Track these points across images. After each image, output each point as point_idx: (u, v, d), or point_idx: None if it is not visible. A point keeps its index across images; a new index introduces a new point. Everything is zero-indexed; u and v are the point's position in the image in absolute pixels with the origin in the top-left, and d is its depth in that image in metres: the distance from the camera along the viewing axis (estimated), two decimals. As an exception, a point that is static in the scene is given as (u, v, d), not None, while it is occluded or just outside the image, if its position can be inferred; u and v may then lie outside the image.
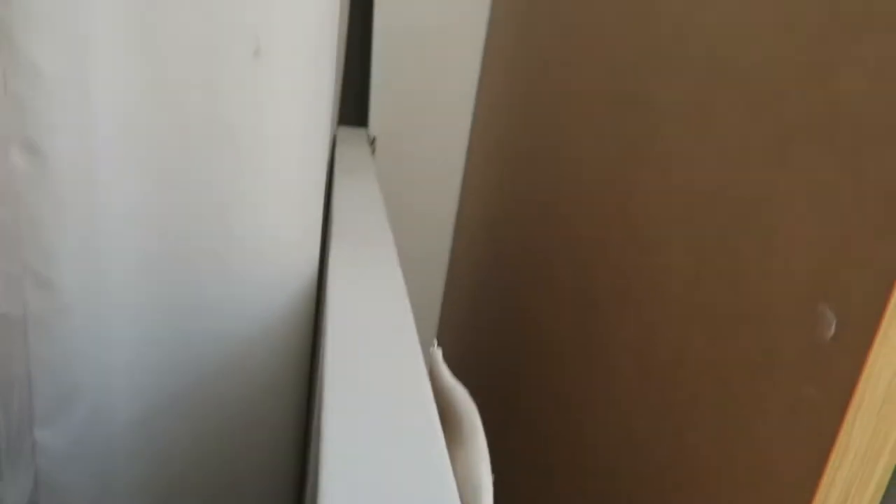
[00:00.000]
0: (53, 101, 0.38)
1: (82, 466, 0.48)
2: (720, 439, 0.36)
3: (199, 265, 0.45)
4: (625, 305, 0.47)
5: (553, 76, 0.66)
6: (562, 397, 0.56)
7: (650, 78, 0.46)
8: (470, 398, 0.35)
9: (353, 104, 0.85)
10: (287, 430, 0.52)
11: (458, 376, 0.37)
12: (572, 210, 0.58)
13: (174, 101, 0.41)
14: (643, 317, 0.45)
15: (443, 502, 0.24)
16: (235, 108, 0.41)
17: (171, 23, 0.39)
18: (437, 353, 0.38)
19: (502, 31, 0.82)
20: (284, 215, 0.45)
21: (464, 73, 0.88)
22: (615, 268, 0.49)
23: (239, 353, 0.47)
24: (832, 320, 0.29)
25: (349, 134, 0.81)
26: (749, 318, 0.34)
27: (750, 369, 0.34)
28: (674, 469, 0.40)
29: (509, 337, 0.72)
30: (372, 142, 0.85)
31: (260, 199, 0.44)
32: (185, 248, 0.44)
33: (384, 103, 0.86)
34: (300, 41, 0.42)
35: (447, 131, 0.91)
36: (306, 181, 0.46)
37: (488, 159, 0.84)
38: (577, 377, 0.54)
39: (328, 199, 0.56)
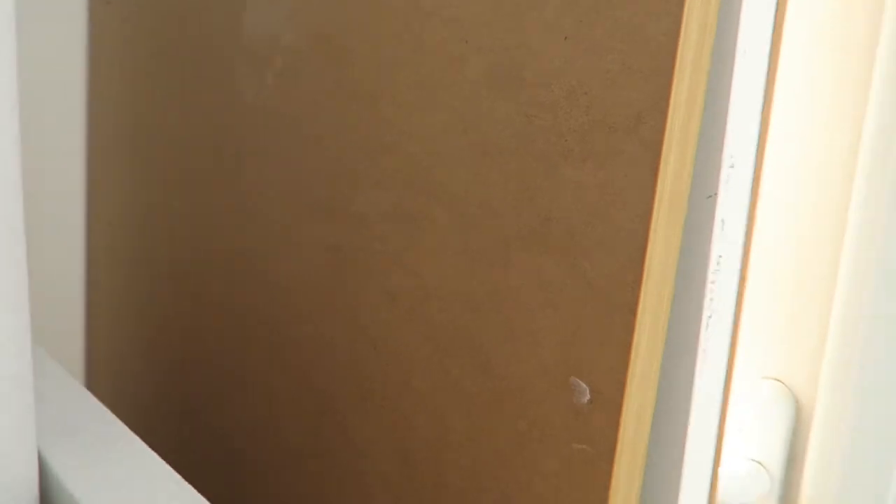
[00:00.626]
0: None
1: None
2: (506, 502, 0.42)
3: None
4: (367, 408, 0.50)
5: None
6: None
7: (356, 191, 0.50)
8: None
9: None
10: None
11: None
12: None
13: None
14: (400, 408, 0.48)
15: None
16: None
17: None
18: None
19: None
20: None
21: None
22: (368, 396, 0.51)
23: None
24: (585, 388, 0.37)
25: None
26: (509, 397, 0.41)
27: (519, 439, 0.41)
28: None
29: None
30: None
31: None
32: None
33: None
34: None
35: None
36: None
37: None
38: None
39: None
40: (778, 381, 0.51)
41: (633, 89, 0.34)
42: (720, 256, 0.38)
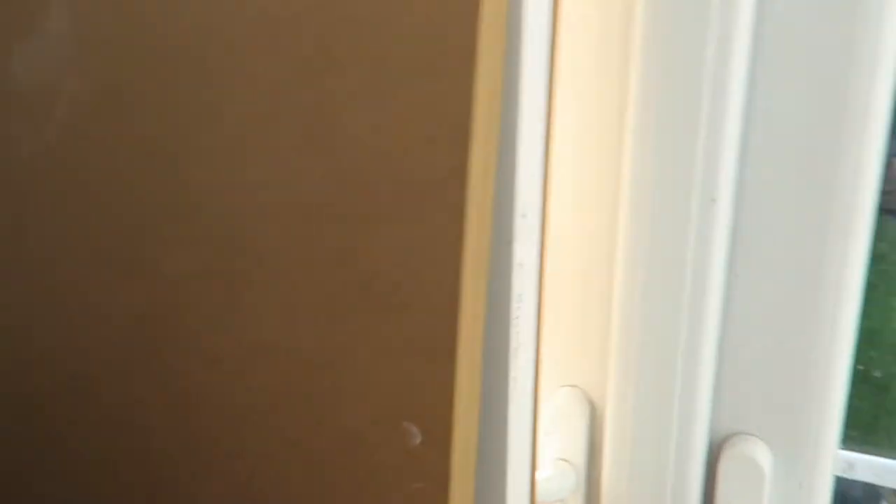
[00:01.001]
0: None
1: None
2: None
3: None
4: (206, 475, 0.48)
5: None
6: None
7: (163, 252, 0.48)
8: None
9: None
10: None
11: None
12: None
13: None
14: (238, 473, 0.47)
15: None
16: None
17: None
18: None
19: None
20: None
21: None
22: (206, 465, 0.49)
23: None
24: (416, 431, 0.40)
25: None
26: (347, 448, 0.43)
27: (362, 487, 0.43)
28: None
29: None
30: None
31: None
32: None
33: None
34: None
35: None
36: None
37: None
38: None
39: None
40: (574, 386, 0.58)
41: (437, 156, 0.38)
42: (520, 294, 0.43)
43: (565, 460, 0.57)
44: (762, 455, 0.52)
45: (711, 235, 0.51)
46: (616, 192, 0.55)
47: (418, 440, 0.40)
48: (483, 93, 0.37)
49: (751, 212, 0.51)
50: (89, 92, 0.51)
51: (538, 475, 0.56)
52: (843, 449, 0.57)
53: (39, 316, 0.55)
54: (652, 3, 0.50)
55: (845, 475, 0.61)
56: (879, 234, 0.52)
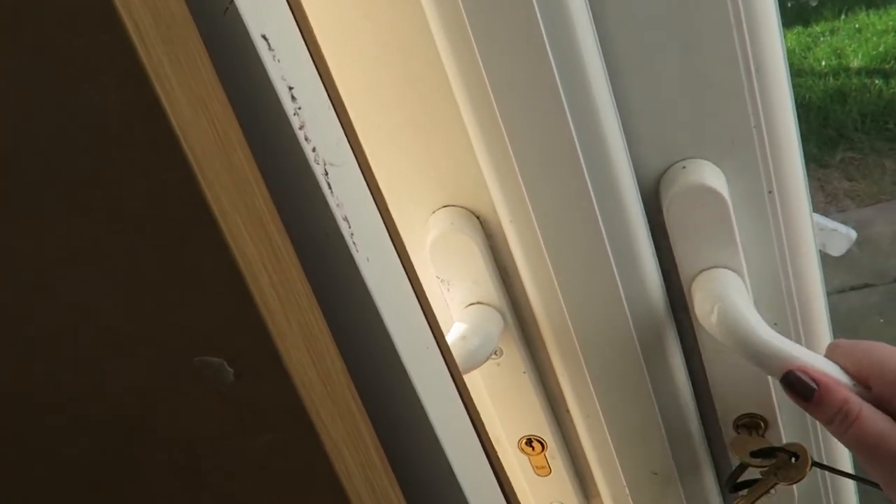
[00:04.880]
0: None
1: None
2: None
3: None
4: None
5: None
6: None
7: None
8: None
9: None
10: None
11: None
12: None
13: None
14: None
15: None
16: None
17: None
18: None
19: None
20: None
21: None
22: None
23: None
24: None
25: None
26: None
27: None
28: None
29: None
30: None
31: None
32: None
33: None
34: None
35: None
36: None
37: None
38: None
39: None
40: (455, 206, 0.44)
41: None
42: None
43: (480, 304, 0.44)
44: (710, 176, 0.40)
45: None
46: None
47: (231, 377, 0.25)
48: None
49: None
50: None
51: (450, 338, 0.42)
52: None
53: None
54: None
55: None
56: None
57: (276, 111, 0.29)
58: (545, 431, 0.47)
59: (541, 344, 0.45)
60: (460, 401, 0.37)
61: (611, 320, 0.42)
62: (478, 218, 0.43)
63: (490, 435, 0.49)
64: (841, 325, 2.44)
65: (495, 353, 0.45)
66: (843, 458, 0.50)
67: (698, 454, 0.47)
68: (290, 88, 0.30)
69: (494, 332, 0.42)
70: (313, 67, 0.32)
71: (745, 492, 0.43)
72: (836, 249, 0.63)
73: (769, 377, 0.45)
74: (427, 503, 0.35)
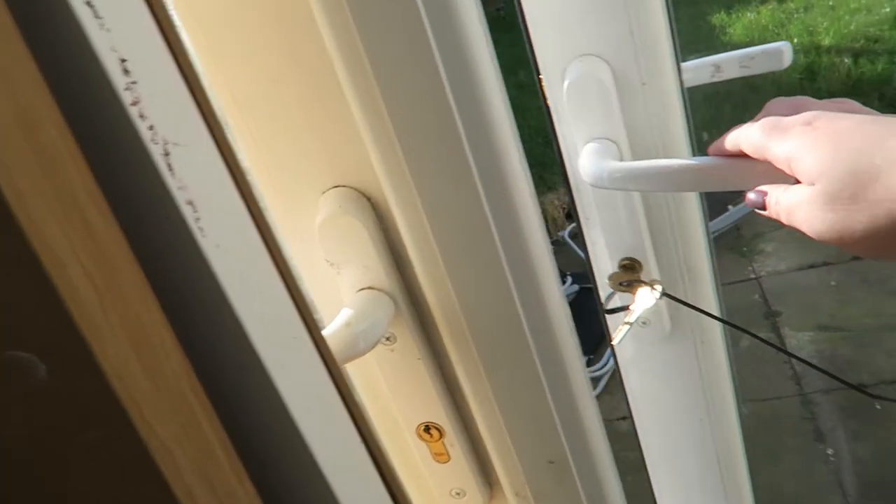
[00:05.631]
0: None
1: None
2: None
3: None
4: None
5: None
6: None
7: None
8: None
9: None
10: None
11: None
12: None
13: None
14: None
15: None
16: None
17: None
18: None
19: None
20: None
21: None
22: None
23: None
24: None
25: None
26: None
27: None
28: None
29: None
30: None
31: None
32: None
33: None
34: None
35: None
36: None
37: None
38: None
39: None
40: (344, 186, 0.42)
41: None
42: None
43: (371, 288, 0.42)
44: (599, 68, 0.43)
45: None
46: None
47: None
48: None
49: None
50: None
51: (335, 325, 0.41)
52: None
53: None
54: None
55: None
56: None
57: (104, 85, 0.27)
58: (442, 418, 0.46)
59: (435, 330, 0.44)
60: (335, 392, 0.36)
61: (499, 304, 0.41)
62: (368, 200, 0.41)
63: (388, 423, 0.48)
64: (799, 301, 2.49)
65: (388, 340, 0.44)
66: (708, 297, 0.61)
67: (594, 443, 0.46)
68: (123, 61, 0.27)
69: (383, 318, 0.41)
70: (158, 38, 0.30)
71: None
72: (772, 65, 0.68)
73: (644, 228, 0.59)
74: (292, 500, 0.34)
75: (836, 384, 2.13)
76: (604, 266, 0.66)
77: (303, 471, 0.33)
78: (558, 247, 3.33)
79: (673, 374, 0.66)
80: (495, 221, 0.38)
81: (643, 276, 0.64)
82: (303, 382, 0.33)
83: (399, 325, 0.43)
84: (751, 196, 0.40)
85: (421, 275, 0.41)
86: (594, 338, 2.60)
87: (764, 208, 0.40)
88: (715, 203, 2.95)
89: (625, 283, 0.65)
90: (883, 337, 2.25)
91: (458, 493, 0.50)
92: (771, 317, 2.46)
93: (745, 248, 2.87)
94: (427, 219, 0.38)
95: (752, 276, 2.70)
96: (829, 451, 1.95)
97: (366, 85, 0.35)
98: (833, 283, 2.57)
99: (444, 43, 0.34)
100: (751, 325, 2.48)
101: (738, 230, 2.99)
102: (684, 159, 0.45)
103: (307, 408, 0.33)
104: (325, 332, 0.39)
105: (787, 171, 0.37)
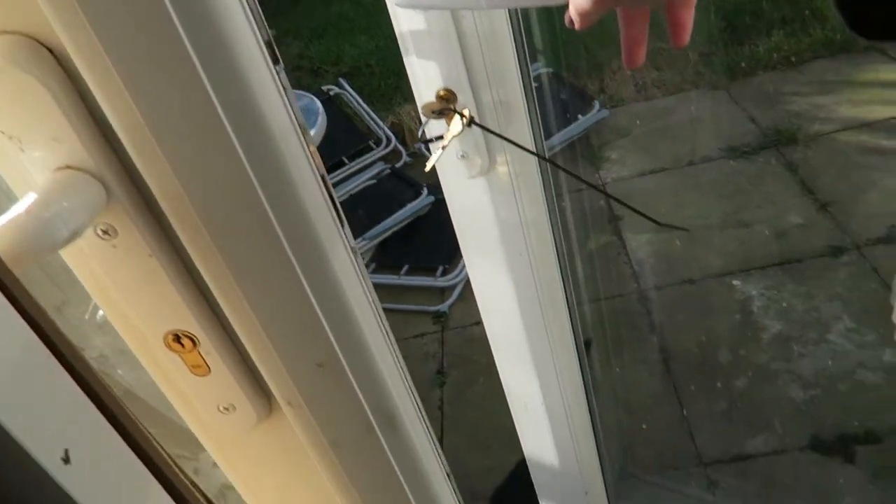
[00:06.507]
0: None
1: None
2: None
3: None
4: None
5: None
6: None
7: None
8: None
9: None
10: None
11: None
12: None
13: None
14: None
15: None
16: None
17: None
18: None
19: None
20: None
21: None
22: None
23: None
24: None
25: None
26: None
27: None
28: None
29: None
30: None
31: None
32: None
33: None
34: None
35: None
36: None
37: None
38: None
39: None
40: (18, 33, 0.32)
41: None
42: None
43: (68, 168, 0.34)
44: None
45: None
46: None
47: None
48: None
49: None
50: None
51: (12, 211, 0.32)
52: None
53: None
54: None
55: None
56: None
57: None
58: (192, 325, 0.39)
59: (166, 222, 0.36)
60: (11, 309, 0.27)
61: (234, 190, 0.34)
62: (50, 51, 0.32)
63: (135, 334, 0.41)
64: (639, 205, 2.61)
65: (107, 233, 0.36)
66: (523, 134, 0.65)
67: (368, 340, 0.42)
68: None
69: (83, 204, 0.33)
70: None
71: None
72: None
73: (458, 60, 0.63)
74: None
75: (669, 280, 2.28)
76: (426, 97, 0.65)
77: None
78: (415, 159, 3.27)
79: (493, 207, 0.67)
80: (214, 88, 0.31)
81: (458, 107, 0.64)
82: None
83: (117, 215, 0.35)
84: None
85: (132, 153, 0.33)
86: (449, 248, 2.61)
87: None
88: (565, 114, 3.00)
89: (437, 112, 0.65)
90: (711, 235, 2.42)
91: (226, 409, 0.44)
92: (614, 220, 2.57)
93: (593, 156, 2.96)
94: (122, 81, 0.30)
95: (600, 182, 2.80)
96: (659, 341, 2.10)
97: None
98: (670, 187, 2.72)
99: None
100: (596, 228, 2.59)
101: (587, 139, 3.07)
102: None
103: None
104: (-7, 222, 0.30)
105: None
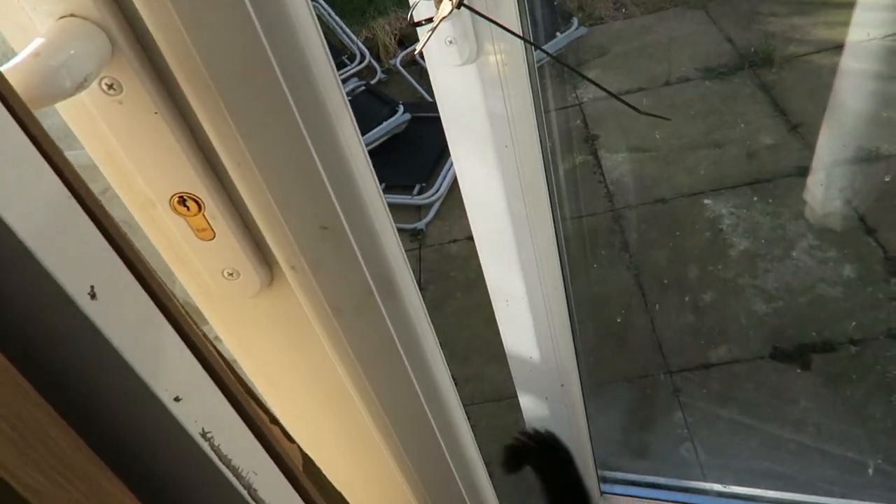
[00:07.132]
0: None
1: None
2: None
3: None
4: None
5: None
6: None
7: None
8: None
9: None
10: None
11: None
12: None
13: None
14: None
15: None
16: None
17: None
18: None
19: None
20: None
21: None
22: None
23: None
24: None
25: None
26: None
27: None
28: None
29: None
30: None
31: None
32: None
33: None
34: None
35: None
36: None
37: None
38: None
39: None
40: None
41: None
42: None
43: (73, 16, 0.33)
44: None
45: None
46: None
47: None
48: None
49: None
50: None
51: (19, 56, 0.32)
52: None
53: None
54: None
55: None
56: None
57: None
58: (198, 187, 0.40)
59: (173, 80, 0.37)
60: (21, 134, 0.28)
61: (245, 50, 0.34)
62: None
63: (140, 197, 0.41)
64: (615, 125, 2.62)
65: (112, 88, 0.36)
66: (511, 19, 0.65)
67: (369, 204, 0.43)
68: None
69: (89, 54, 0.33)
70: None
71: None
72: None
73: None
74: None
75: (642, 199, 2.32)
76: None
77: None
78: (390, 76, 3.20)
79: (481, 97, 0.67)
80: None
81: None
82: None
83: (122, 69, 0.35)
84: None
85: (139, 4, 0.33)
86: (427, 166, 2.60)
87: None
88: (541, 31, 2.95)
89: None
90: (684, 155, 2.45)
91: (230, 274, 0.45)
92: (590, 140, 2.58)
93: (569, 75, 2.93)
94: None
95: (576, 102, 2.79)
96: (631, 258, 2.15)
97: None
98: (645, 106, 2.72)
99: None
100: (573, 148, 2.60)
101: (565, 57, 3.03)
102: None
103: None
104: (4, 67, 0.31)
105: None
